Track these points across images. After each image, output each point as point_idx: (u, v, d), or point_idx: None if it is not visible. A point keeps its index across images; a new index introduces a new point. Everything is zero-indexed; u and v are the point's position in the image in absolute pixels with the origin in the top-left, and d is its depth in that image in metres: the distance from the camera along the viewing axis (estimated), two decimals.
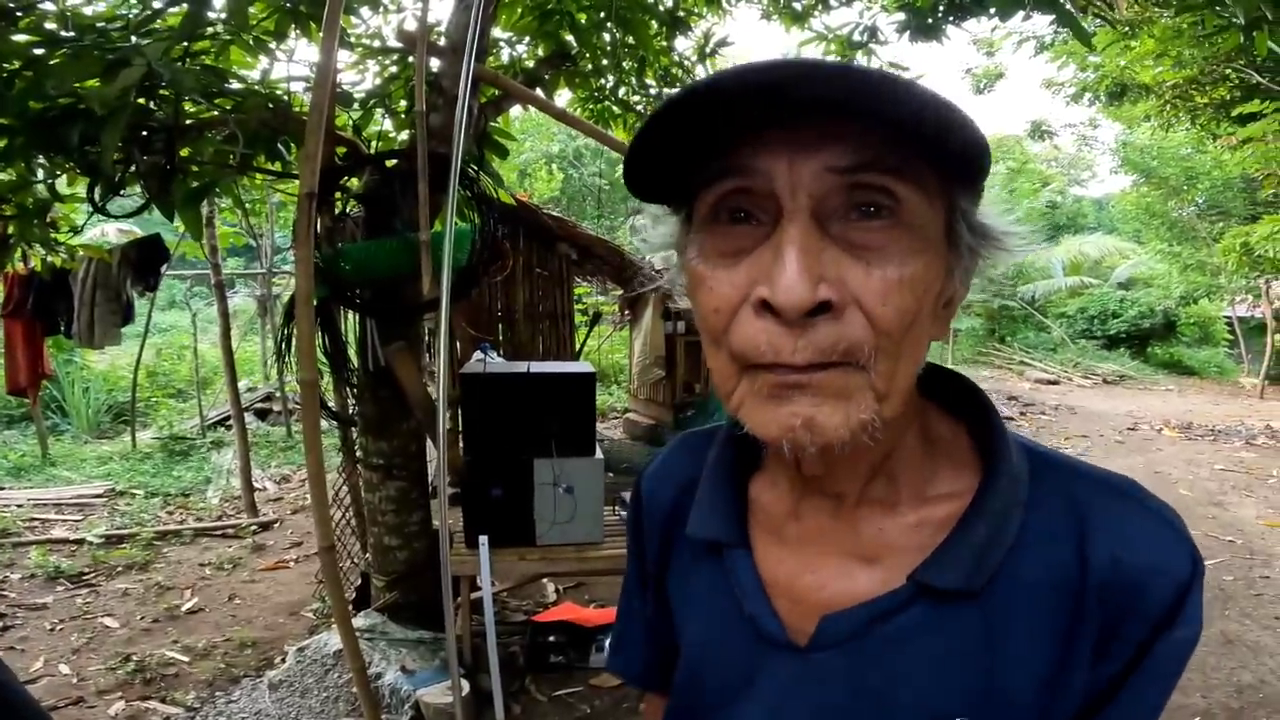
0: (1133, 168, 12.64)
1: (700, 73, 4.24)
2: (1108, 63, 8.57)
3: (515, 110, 4.29)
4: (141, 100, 2.24)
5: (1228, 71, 8.07)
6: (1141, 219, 13.71)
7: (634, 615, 0.71)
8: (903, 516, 0.51)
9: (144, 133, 2.33)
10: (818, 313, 0.40)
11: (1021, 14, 3.11)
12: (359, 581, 3.11)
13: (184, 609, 3.51)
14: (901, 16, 3.41)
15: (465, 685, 2.41)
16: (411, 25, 2.62)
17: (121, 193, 2.63)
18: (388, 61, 3.07)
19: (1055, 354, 13.70)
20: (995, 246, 0.47)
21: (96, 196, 2.38)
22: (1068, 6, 2.88)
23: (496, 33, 3.25)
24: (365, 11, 2.98)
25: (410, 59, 2.68)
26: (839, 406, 0.42)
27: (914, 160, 0.41)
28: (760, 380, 0.43)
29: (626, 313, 6.33)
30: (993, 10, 3.12)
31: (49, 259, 3.82)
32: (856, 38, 3.74)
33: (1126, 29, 5.97)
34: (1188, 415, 8.82)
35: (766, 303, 0.41)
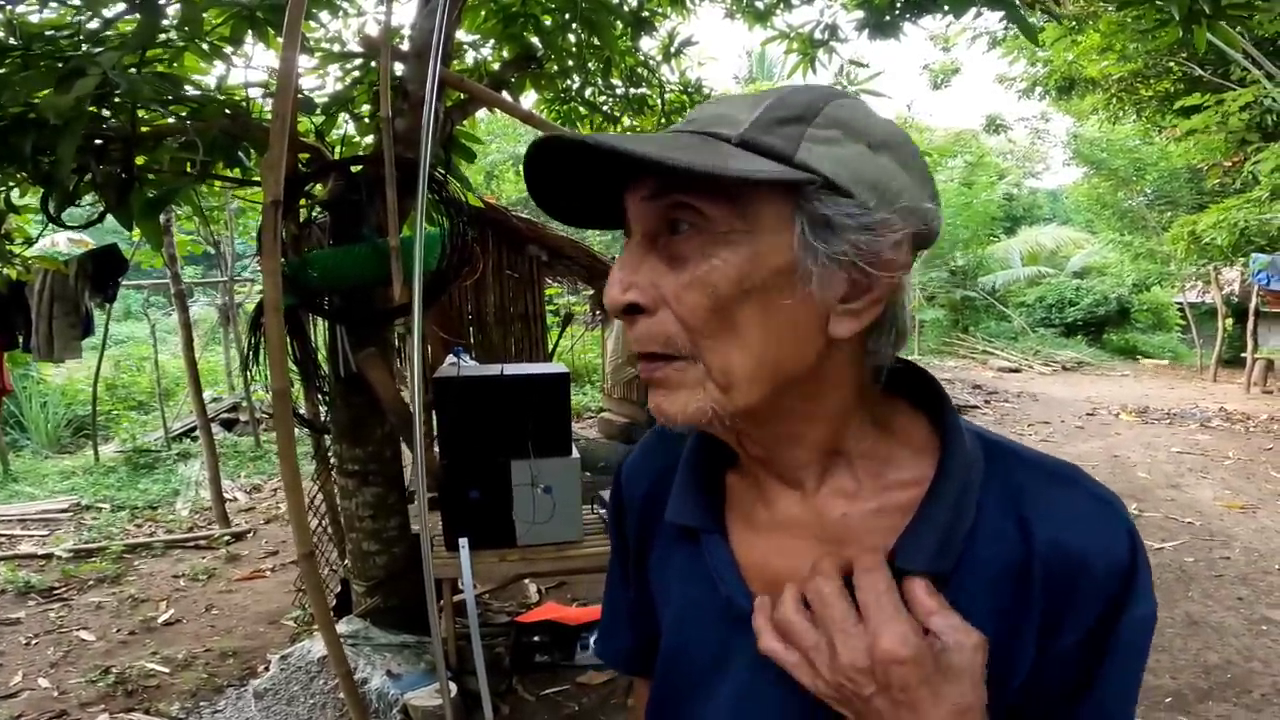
0: (1083, 160, 12.99)
1: (665, 72, 4.28)
2: (1056, 57, 8.82)
3: (481, 112, 4.28)
4: (96, 109, 2.20)
5: (1171, 65, 8.36)
6: (1093, 209, 14.09)
7: (618, 603, 0.74)
8: (865, 502, 0.55)
9: (99, 142, 2.28)
10: (635, 312, 0.50)
11: (973, 11, 3.20)
12: (339, 588, 3.09)
13: (160, 621, 3.47)
14: (861, 14, 3.48)
15: (453, 687, 2.41)
16: (374, 29, 2.60)
17: (77, 202, 2.57)
18: (350, 66, 3.04)
19: (1016, 342, 14.05)
20: (849, 241, 0.47)
21: (51, 207, 2.33)
22: (1016, 2, 2.97)
23: (461, 35, 3.24)
24: (325, 16, 2.95)
25: (373, 63, 2.67)
26: (676, 396, 0.51)
27: (720, 180, 0.45)
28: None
29: (598, 313, 6.34)
30: (946, 7, 3.21)
31: (4, 271, 3.71)
32: (818, 36, 3.81)
33: (1073, 24, 6.15)
34: (1144, 399, 9.12)
35: None
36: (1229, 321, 11.50)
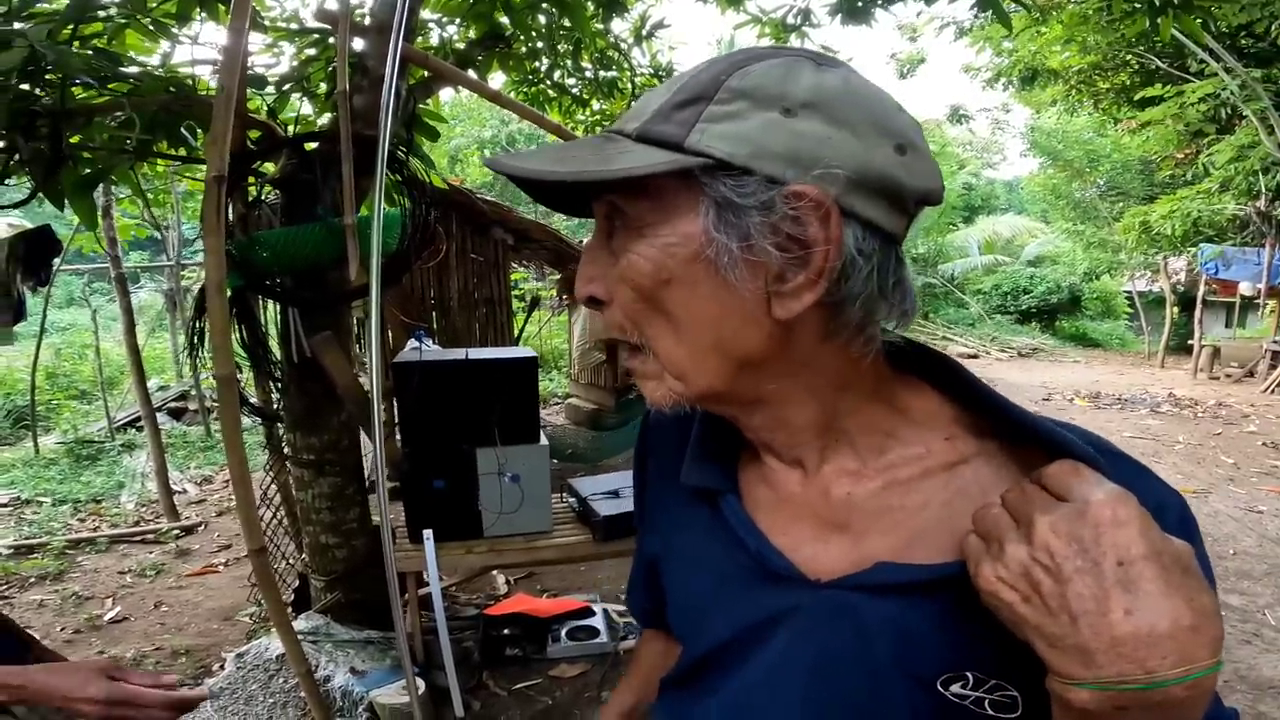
0: (1040, 151, 13.30)
1: (637, 55, 4.19)
2: (1021, 48, 8.96)
3: (445, 94, 4.14)
4: (26, 86, 2.07)
5: (1128, 57, 8.55)
6: (1048, 200, 14.46)
7: (642, 557, 0.74)
8: (870, 481, 0.54)
9: (26, 119, 2.14)
10: (596, 304, 0.52)
11: None
12: (296, 583, 2.98)
13: (106, 619, 3.33)
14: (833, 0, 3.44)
15: (421, 684, 2.34)
16: (333, 5, 2.47)
17: (6, 182, 2.42)
18: (305, 43, 2.90)
19: (974, 329, 14.36)
20: (754, 221, 0.45)
21: None
22: None
23: (426, 14, 3.11)
24: None
25: (331, 40, 2.54)
26: (647, 385, 0.53)
27: (637, 179, 0.46)
28: None
29: (565, 297, 6.25)
30: None
31: None
32: (790, 20, 3.77)
33: (1038, 15, 6.23)
34: (1096, 385, 9.39)
35: None
36: (1176, 310, 11.91)
